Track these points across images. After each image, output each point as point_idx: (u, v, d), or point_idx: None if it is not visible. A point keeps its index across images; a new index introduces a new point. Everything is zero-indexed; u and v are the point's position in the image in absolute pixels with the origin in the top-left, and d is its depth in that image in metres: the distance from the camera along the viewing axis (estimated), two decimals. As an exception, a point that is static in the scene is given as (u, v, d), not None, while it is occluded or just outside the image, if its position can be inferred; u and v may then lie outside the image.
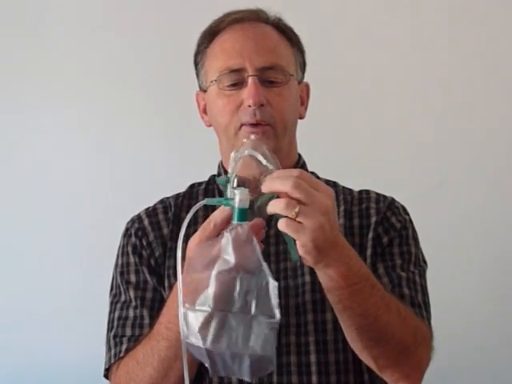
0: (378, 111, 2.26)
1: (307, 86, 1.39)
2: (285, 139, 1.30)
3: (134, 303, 1.30)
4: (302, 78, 1.37)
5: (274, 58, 1.28)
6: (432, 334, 1.26)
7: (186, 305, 0.97)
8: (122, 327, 1.29)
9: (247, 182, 1.02)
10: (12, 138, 2.32)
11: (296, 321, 1.26)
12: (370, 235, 1.32)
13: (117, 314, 1.32)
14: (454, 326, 2.04)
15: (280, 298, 1.25)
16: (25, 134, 2.32)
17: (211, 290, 0.95)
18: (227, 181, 1.05)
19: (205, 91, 1.34)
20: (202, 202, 1.03)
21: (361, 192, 1.40)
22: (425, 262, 1.37)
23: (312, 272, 1.12)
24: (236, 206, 0.99)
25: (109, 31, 2.32)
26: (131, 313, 1.30)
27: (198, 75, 1.36)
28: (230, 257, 0.95)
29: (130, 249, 1.35)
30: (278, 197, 0.99)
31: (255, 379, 1.21)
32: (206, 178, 1.44)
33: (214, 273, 0.95)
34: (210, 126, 1.35)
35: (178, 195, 1.42)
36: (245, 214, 0.99)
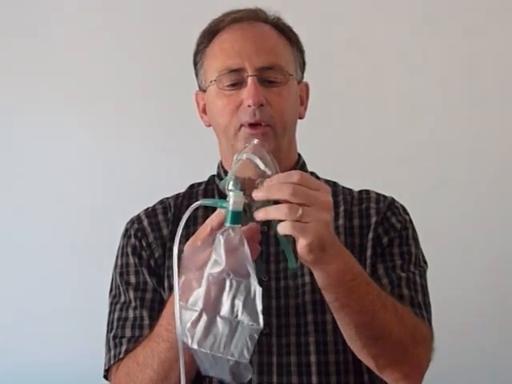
0: (378, 111, 2.26)
1: (307, 85, 1.39)
2: (284, 139, 1.29)
3: (133, 304, 1.30)
4: (302, 77, 1.37)
5: (274, 58, 1.27)
6: (432, 334, 1.26)
7: (181, 302, 0.98)
8: (121, 328, 1.29)
9: (245, 185, 1.01)
10: (12, 138, 2.32)
11: (296, 321, 1.26)
12: (370, 235, 1.32)
13: (116, 314, 1.31)
14: (454, 326, 2.04)
15: (280, 298, 1.27)
16: (25, 134, 2.32)
17: (202, 290, 0.96)
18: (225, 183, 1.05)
19: (204, 91, 1.33)
20: (197, 203, 1.03)
21: (361, 192, 1.39)
22: (425, 262, 1.37)
23: (312, 273, 1.12)
24: (230, 208, 0.98)
25: (109, 31, 2.32)
26: (131, 314, 1.30)
27: (197, 75, 1.36)
28: (221, 259, 0.96)
29: (129, 249, 1.35)
30: (275, 202, 0.99)
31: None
32: (205, 178, 1.43)
33: (205, 274, 0.96)
34: (210, 125, 1.35)
35: (177, 195, 1.42)
36: (238, 217, 0.98)
